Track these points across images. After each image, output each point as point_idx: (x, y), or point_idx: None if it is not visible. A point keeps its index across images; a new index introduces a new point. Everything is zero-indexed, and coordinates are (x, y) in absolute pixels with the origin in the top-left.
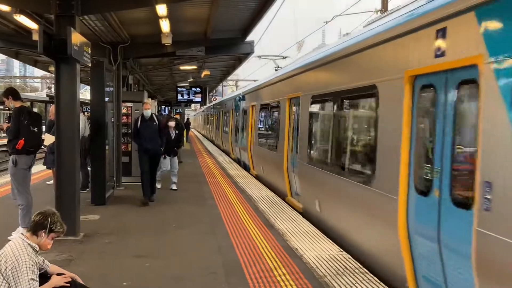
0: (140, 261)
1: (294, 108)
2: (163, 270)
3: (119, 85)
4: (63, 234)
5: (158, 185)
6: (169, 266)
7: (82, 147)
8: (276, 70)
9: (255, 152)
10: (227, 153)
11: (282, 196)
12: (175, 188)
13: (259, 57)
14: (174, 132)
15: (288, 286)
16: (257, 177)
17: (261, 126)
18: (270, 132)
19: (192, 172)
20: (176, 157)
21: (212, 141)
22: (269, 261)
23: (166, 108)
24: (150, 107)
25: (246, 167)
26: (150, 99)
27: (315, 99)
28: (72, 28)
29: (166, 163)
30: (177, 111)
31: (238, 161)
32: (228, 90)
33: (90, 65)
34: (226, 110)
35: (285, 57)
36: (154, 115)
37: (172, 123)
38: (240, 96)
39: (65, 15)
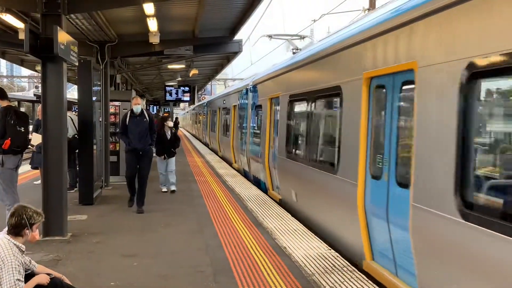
0: (127, 260)
1: (383, 96)
2: (150, 269)
3: (106, 84)
4: (44, 218)
5: (164, 189)
6: (156, 265)
7: None
8: (294, 52)
9: (280, 167)
10: (228, 162)
11: (349, 252)
12: (174, 189)
13: (270, 36)
14: (169, 132)
15: (277, 284)
16: (283, 204)
17: (294, 128)
18: (314, 140)
19: (181, 171)
20: (173, 158)
21: (205, 144)
22: (258, 260)
23: (155, 107)
24: (140, 103)
25: (259, 185)
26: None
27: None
28: (58, 27)
29: (161, 166)
30: (165, 110)
31: (244, 174)
32: (217, 89)
33: (77, 64)
34: (226, 107)
35: (303, 37)
36: (144, 111)
37: (170, 123)
38: (250, 87)
39: (51, 14)
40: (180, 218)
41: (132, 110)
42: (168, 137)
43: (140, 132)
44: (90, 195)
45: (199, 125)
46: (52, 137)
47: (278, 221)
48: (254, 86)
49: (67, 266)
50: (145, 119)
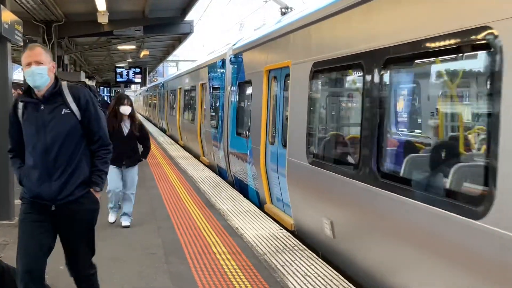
0: None
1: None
2: (101, 252)
3: None
4: None
5: (113, 217)
6: (107, 248)
7: None
8: (284, 13)
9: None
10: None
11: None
12: (127, 224)
13: None
14: (128, 124)
15: (228, 264)
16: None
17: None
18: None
19: None
20: (134, 169)
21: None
22: (210, 241)
23: (105, 89)
24: (42, 59)
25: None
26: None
27: None
28: (1, 6)
29: (115, 180)
30: (117, 91)
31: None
32: (169, 70)
33: (22, 44)
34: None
35: None
36: (64, 86)
37: (126, 109)
38: None
39: None
40: None
41: (29, 88)
42: (125, 133)
43: (49, 147)
44: None
45: (160, 112)
46: None
47: (231, 203)
48: None
49: (15, 251)
50: (65, 110)
